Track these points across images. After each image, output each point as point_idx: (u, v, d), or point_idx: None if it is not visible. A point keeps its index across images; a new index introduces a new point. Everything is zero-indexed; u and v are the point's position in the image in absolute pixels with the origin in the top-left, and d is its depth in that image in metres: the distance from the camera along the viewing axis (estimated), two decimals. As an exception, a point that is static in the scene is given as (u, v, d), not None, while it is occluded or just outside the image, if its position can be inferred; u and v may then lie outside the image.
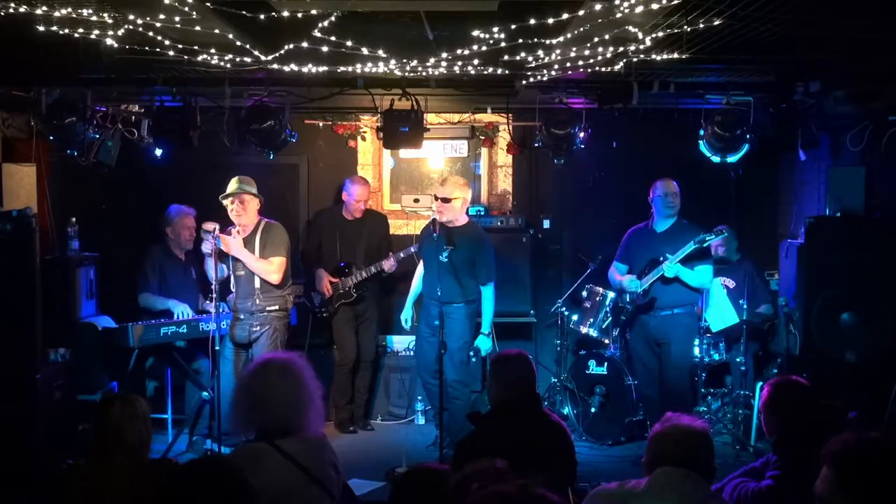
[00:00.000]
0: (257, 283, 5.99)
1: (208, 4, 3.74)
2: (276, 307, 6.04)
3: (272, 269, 5.99)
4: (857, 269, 5.58)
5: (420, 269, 6.33)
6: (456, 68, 4.92)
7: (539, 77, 5.29)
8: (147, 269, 6.31)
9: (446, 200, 5.93)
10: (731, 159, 5.89)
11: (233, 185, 6.00)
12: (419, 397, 6.98)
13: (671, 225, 6.08)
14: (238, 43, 4.36)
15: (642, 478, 2.91)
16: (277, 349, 5.90)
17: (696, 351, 6.31)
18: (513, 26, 3.99)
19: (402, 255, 6.60)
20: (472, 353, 6.13)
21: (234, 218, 5.97)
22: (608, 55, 4.54)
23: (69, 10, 3.88)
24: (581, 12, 3.79)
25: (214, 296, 5.65)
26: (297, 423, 3.23)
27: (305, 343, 6.63)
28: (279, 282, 6.04)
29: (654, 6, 3.62)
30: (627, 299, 6.16)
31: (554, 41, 4.27)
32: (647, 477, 2.88)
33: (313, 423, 3.31)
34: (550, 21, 3.87)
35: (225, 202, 5.99)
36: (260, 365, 3.44)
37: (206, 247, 5.89)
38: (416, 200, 7.43)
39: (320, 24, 3.89)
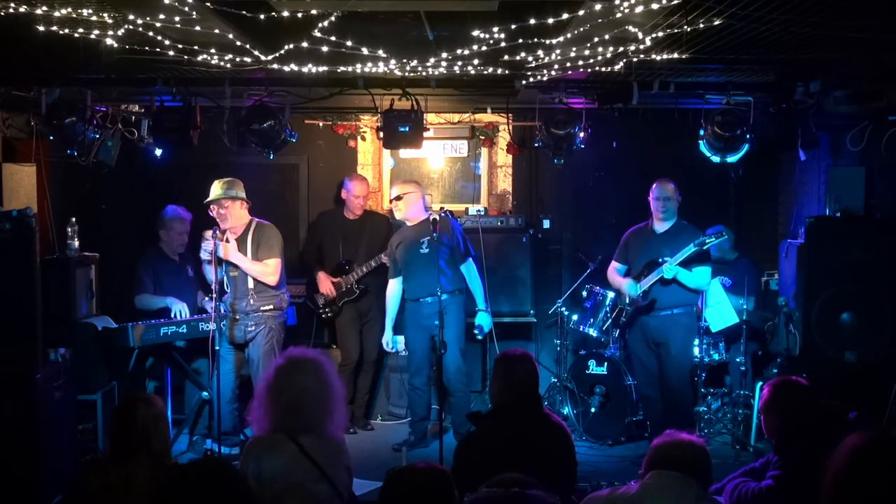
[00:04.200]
0: (251, 284, 5.99)
1: (208, 4, 3.74)
2: (271, 307, 6.04)
3: (269, 271, 5.99)
4: (857, 269, 5.57)
5: (394, 289, 6.31)
6: (456, 68, 4.92)
7: (539, 77, 5.30)
8: (141, 272, 6.31)
9: (398, 199, 6.18)
10: (731, 159, 5.88)
11: (214, 190, 5.96)
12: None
13: (671, 226, 6.06)
14: (238, 43, 4.36)
15: (638, 481, 2.92)
16: (274, 349, 5.92)
17: (696, 351, 6.31)
18: (513, 26, 3.99)
19: None
20: (476, 332, 6.16)
21: (220, 223, 5.97)
22: (608, 55, 4.54)
23: (69, 10, 3.87)
24: (581, 12, 3.79)
25: (215, 296, 5.66)
26: (320, 422, 3.28)
27: (309, 344, 6.62)
28: (276, 283, 6.04)
29: (654, 6, 3.62)
30: (627, 301, 6.15)
31: (554, 41, 4.27)
32: (640, 481, 2.89)
33: (336, 423, 3.36)
34: (550, 21, 3.87)
35: (210, 208, 5.99)
36: (292, 366, 3.35)
37: (204, 254, 5.91)
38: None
39: (320, 24, 3.90)
